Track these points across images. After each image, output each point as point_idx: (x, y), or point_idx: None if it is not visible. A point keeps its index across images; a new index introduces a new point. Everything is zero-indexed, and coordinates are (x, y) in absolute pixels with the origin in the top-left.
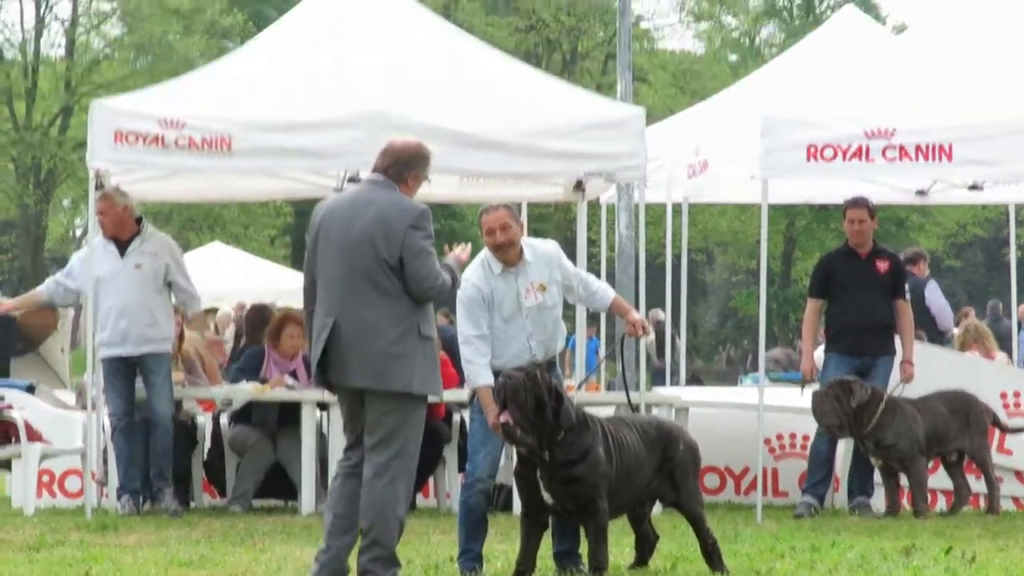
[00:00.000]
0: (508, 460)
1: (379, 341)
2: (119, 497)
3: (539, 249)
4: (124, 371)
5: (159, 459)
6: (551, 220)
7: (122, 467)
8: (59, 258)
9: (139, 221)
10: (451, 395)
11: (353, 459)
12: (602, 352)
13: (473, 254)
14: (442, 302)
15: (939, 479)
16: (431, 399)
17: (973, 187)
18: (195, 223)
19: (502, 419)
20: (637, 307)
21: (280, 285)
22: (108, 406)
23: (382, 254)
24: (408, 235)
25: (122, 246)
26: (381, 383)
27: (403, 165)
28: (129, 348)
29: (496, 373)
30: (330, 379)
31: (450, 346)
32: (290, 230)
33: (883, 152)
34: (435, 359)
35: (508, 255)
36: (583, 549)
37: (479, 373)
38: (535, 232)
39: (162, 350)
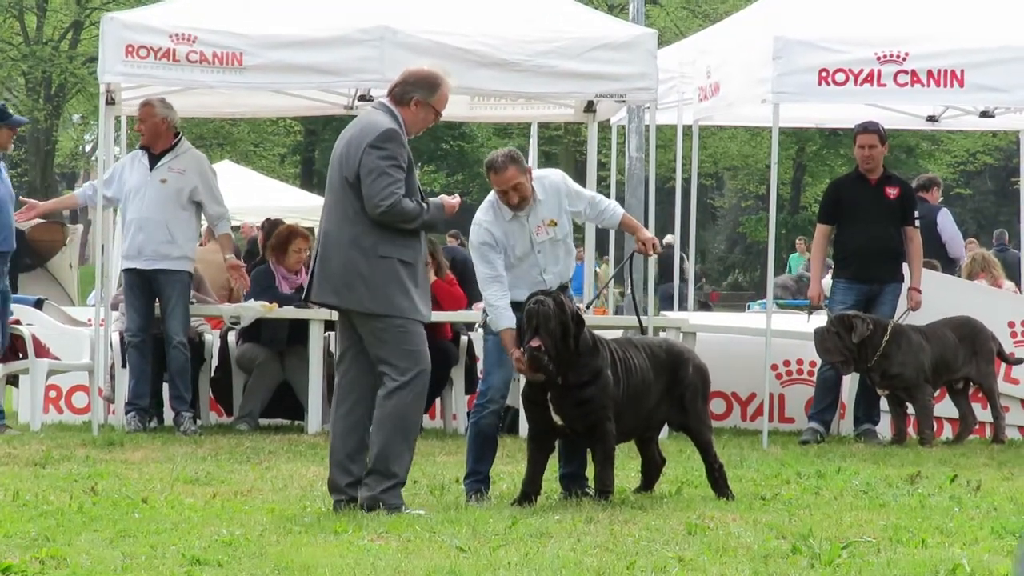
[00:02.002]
0: (515, 382)
1: (338, 259)
2: (127, 413)
3: (547, 183)
4: (141, 285)
5: (175, 381)
6: (560, 143)
7: (133, 383)
8: (68, 174)
9: (177, 135)
10: (459, 316)
11: (343, 383)
12: (610, 273)
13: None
14: (451, 223)
15: (945, 407)
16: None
17: (984, 114)
18: (205, 140)
19: (534, 344)
20: None
21: (289, 203)
22: (125, 321)
23: (344, 172)
24: (366, 153)
25: (154, 159)
26: (339, 301)
27: (409, 87)
28: (144, 262)
29: (512, 306)
30: (311, 297)
31: (463, 268)
32: (300, 149)
33: (895, 77)
34: (398, 280)
35: (521, 207)
36: (589, 472)
37: (502, 315)
38: (543, 154)
39: (177, 268)
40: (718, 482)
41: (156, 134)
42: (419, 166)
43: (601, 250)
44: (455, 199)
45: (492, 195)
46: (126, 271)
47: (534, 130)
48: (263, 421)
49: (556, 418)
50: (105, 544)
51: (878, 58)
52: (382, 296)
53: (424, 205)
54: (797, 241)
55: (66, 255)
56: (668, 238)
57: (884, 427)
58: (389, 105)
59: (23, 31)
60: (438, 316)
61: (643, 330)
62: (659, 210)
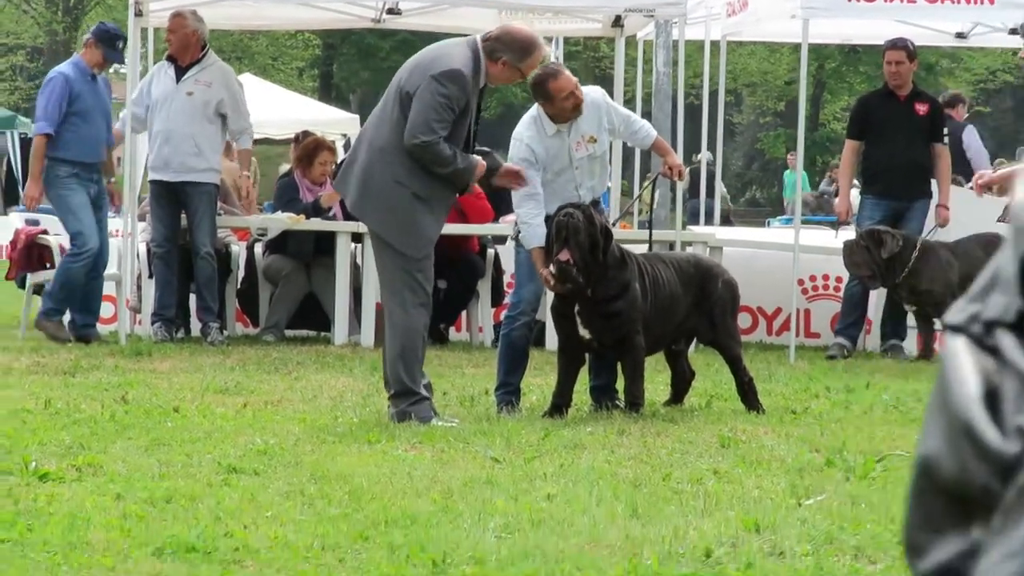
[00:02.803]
0: (545, 295)
1: (360, 164)
2: (153, 323)
3: (588, 100)
4: (167, 197)
5: (203, 292)
6: (579, 58)
7: (158, 294)
8: None
9: (204, 48)
10: (485, 229)
11: None
12: (636, 190)
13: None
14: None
15: None
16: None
17: (1013, 31)
18: (224, 54)
19: (563, 257)
20: (674, 147)
21: (310, 116)
22: (151, 232)
23: (402, 84)
24: (428, 81)
25: (181, 71)
26: (350, 202)
27: (501, 46)
28: (170, 174)
29: (546, 219)
30: (335, 183)
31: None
32: (318, 63)
33: None
34: (404, 210)
35: (572, 114)
36: (620, 385)
37: (534, 233)
38: None
39: (204, 180)
40: (748, 396)
41: (185, 46)
42: None
43: (627, 166)
44: (483, 163)
45: (534, 109)
46: (153, 182)
47: (560, 44)
48: (289, 332)
49: (584, 332)
50: (140, 452)
51: None
52: (383, 218)
53: (460, 158)
54: (788, 156)
55: None
56: (708, 155)
57: (910, 343)
58: (479, 49)
59: None
60: (465, 229)
61: (651, 248)
62: (683, 126)
